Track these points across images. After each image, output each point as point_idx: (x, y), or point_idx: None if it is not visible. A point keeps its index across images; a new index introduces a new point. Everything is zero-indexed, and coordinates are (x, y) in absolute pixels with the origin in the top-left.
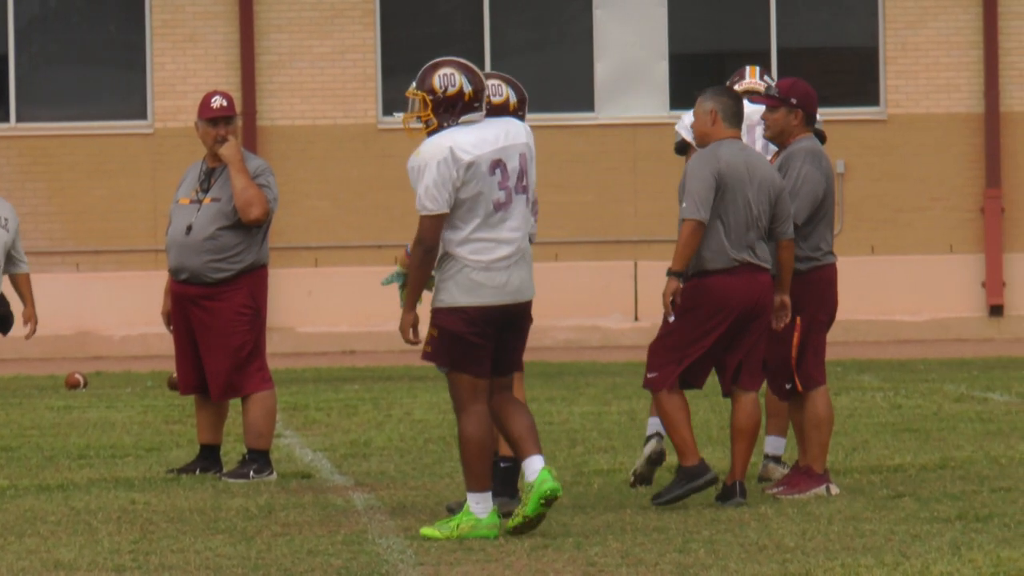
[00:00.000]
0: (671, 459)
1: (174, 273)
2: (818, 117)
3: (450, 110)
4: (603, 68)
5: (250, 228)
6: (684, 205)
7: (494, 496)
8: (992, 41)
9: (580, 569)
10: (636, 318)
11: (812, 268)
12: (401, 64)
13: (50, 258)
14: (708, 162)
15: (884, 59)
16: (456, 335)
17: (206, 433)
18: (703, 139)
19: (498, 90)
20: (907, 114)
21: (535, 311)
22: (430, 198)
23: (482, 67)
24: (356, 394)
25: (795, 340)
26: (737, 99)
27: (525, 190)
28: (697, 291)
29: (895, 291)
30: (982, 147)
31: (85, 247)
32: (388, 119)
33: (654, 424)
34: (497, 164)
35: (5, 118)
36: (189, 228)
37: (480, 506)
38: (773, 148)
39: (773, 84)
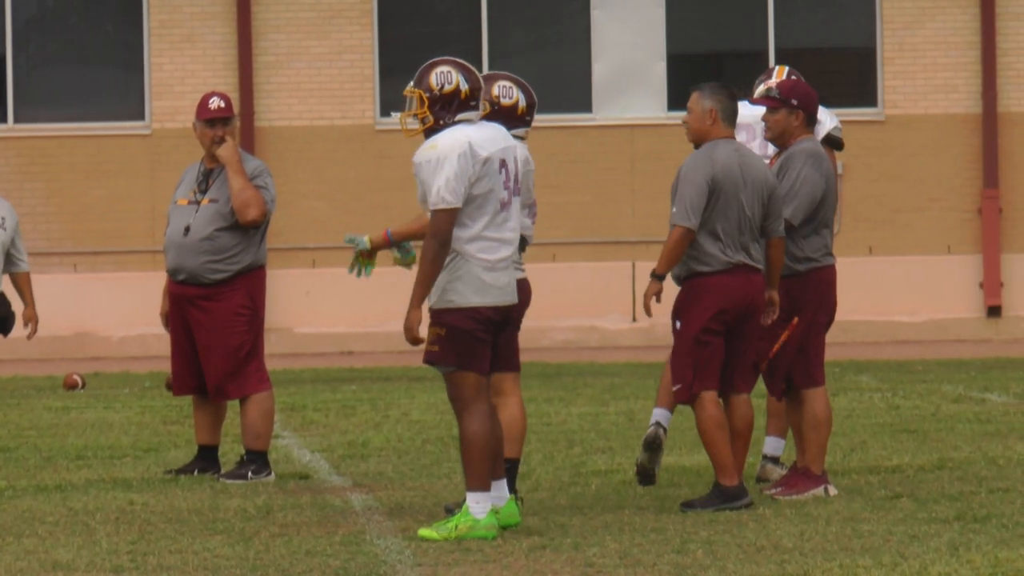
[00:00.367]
0: (674, 460)
1: (172, 274)
2: (837, 122)
3: (447, 108)
4: (601, 69)
5: (248, 229)
6: (675, 210)
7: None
8: (990, 42)
9: (578, 570)
10: (634, 319)
11: (811, 269)
12: (399, 65)
13: (48, 259)
14: (703, 167)
15: (882, 60)
16: (466, 333)
17: (204, 434)
18: (701, 137)
19: (508, 92)
20: (905, 115)
21: (532, 311)
22: (450, 191)
23: (480, 68)
24: (354, 395)
25: (783, 337)
26: (734, 98)
27: (518, 192)
28: (696, 292)
29: (893, 292)
30: (980, 148)
31: (83, 248)
32: (386, 120)
33: (657, 414)
34: (503, 164)
35: (3, 119)
36: (187, 229)
37: (479, 506)
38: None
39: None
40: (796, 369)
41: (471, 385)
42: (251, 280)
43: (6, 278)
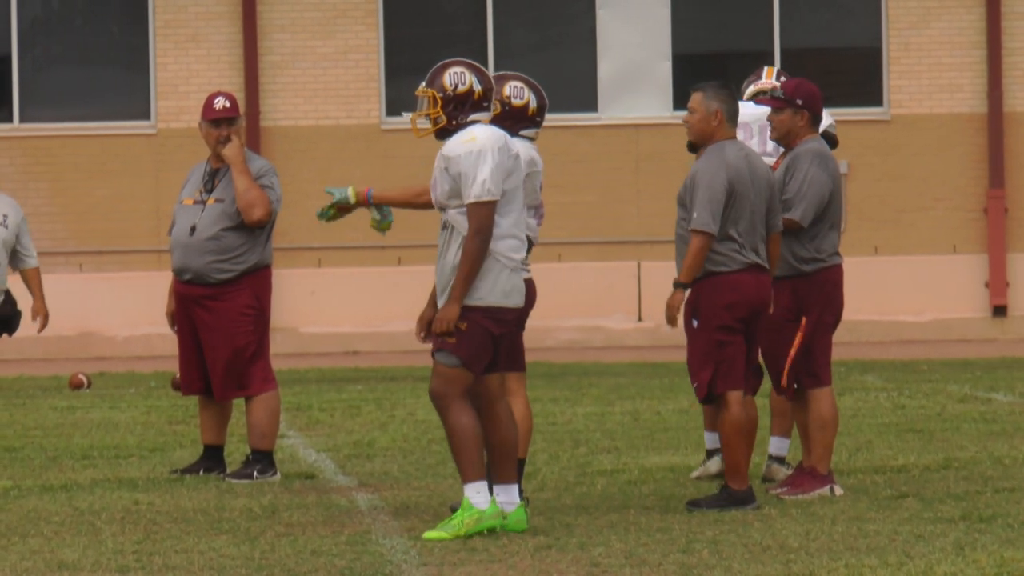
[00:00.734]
0: (680, 460)
1: (178, 273)
2: (832, 120)
3: (460, 108)
4: (606, 68)
5: (253, 229)
6: (696, 216)
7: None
8: (995, 41)
9: (584, 569)
10: (639, 318)
11: (818, 269)
12: (404, 65)
13: (53, 258)
14: (720, 171)
15: (887, 59)
16: (486, 333)
17: (210, 434)
18: (705, 139)
19: (520, 92)
20: (910, 114)
21: (538, 311)
22: (495, 183)
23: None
24: (359, 394)
25: (797, 340)
26: (735, 98)
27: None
28: (714, 290)
29: (898, 291)
30: (985, 147)
31: (88, 247)
32: (391, 119)
33: (711, 439)
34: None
35: (8, 118)
36: (193, 228)
37: (480, 496)
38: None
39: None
40: (802, 369)
41: (464, 384)
42: (257, 280)
43: (15, 275)
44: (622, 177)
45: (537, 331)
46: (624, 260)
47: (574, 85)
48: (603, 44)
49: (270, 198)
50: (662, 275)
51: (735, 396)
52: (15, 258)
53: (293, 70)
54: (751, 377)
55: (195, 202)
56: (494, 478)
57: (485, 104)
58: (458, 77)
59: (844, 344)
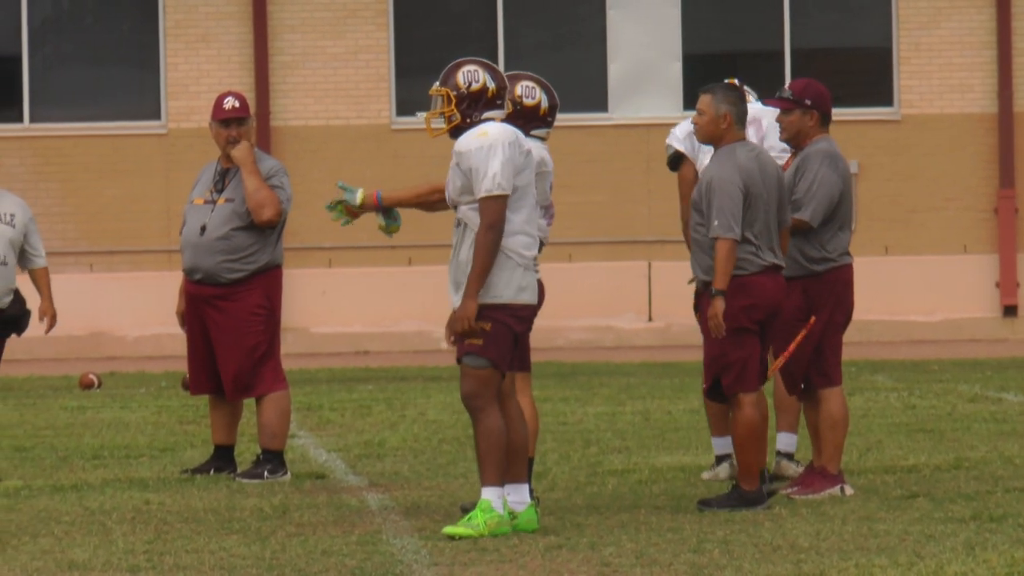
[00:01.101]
0: (690, 460)
1: (188, 273)
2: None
3: (473, 106)
4: (616, 69)
5: (264, 229)
6: (716, 223)
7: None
8: (1006, 41)
9: (594, 569)
10: (650, 318)
11: (829, 269)
12: (415, 64)
13: (64, 258)
14: (734, 175)
15: (897, 59)
16: (510, 331)
17: (220, 433)
18: (715, 141)
19: (531, 92)
20: (921, 114)
21: (548, 311)
22: (505, 177)
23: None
24: (370, 394)
25: (799, 336)
26: (743, 100)
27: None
28: (731, 292)
29: (909, 291)
30: (996, 147)
31: (99, 247)
32: (402, 119)
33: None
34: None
35: (19, 118)
36: (203, 228)
37: (499, 501)
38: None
39: (755, 94)
40: (813, 369)
41: (495, 384)
42: (267, 280)
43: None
44: (633, 177)
45: (548, 331)
46: (635, 260)
47: (584, 85)
48: (613, 44)
49: (280, 198)
50: (673, 275)
51: (749, 398)
52: (23, 258)
53: (303, 70)
54: (761, 376)
55: (205, 202)
56: (505, 477)
57: (499, 102)
58: (472, 75)
59: (855, 344)
